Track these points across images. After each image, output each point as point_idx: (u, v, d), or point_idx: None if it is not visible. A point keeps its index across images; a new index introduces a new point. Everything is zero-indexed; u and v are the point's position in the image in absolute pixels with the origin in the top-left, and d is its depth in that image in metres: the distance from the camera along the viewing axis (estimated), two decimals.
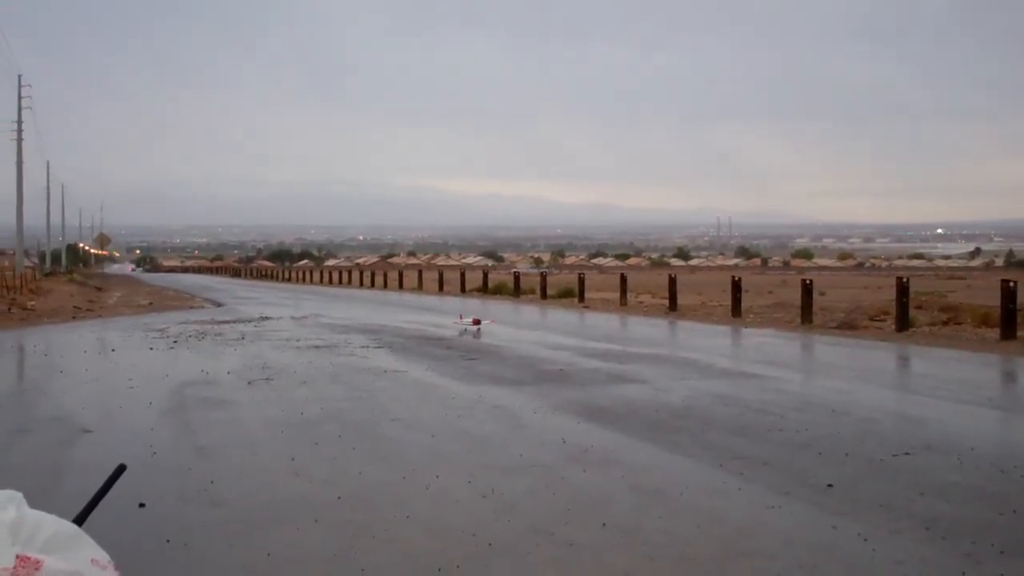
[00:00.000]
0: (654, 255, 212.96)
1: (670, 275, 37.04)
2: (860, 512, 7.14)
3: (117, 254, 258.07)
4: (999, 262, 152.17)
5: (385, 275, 69.78)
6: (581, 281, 41.07)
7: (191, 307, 39.17)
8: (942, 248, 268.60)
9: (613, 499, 7.63)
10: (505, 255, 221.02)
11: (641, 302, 38.51)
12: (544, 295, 43.64)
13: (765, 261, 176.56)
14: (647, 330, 25.90)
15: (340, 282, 76.83)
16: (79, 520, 1.86)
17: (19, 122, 71.53)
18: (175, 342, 21.51)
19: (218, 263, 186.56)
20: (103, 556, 1.73)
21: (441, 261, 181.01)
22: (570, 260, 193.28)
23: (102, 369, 17.06)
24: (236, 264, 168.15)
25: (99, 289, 58.35)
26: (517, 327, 26.35)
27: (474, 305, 38.11)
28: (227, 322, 28.27)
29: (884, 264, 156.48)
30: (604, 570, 5.95)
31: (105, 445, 10.07)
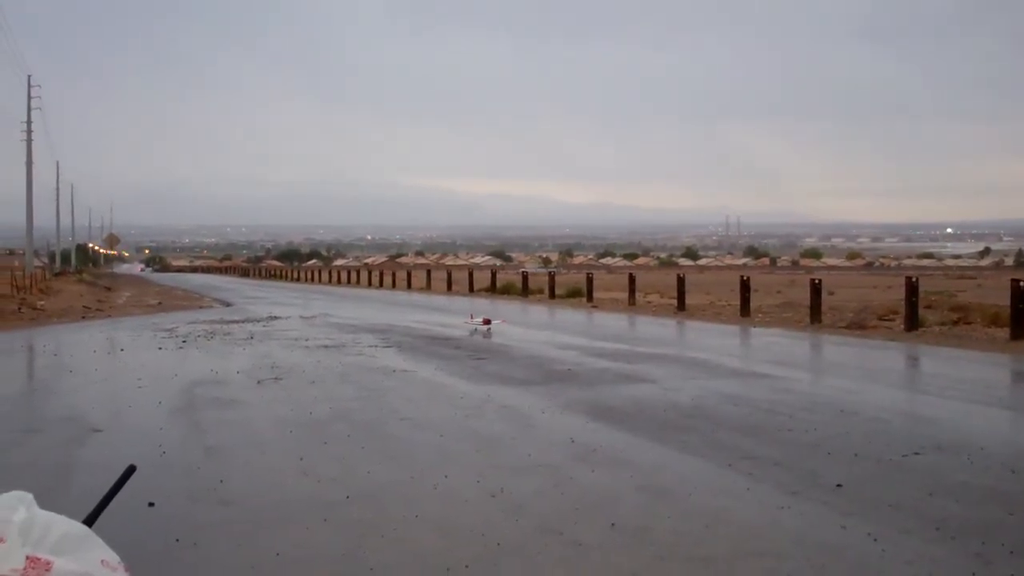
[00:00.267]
0: (662, 255, 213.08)
1: (678, 275, 37.01)
2: (870, 512, 7.12)
3: (126, 254, 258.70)
4: (1009, 261, 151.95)
5: (394, 275, 69.89)
6: (589, 281, 41.05)
7: (200, 307, 39.25)
8: (951, 248, 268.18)
9: (622, 499, 7.62)
10: (513, 255, 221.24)
11: (649, 302, 38.49)
12: (552, 295, 43.63)
13: (774, 261, 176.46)
14: (656, 330, 25.88)
15: (349, 282, 76.91)
16: (89, 521, 1.86)
17: (29, 122, 71.65)
18: (184, 342, 21.55)
19: (227, 263, 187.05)
20: (113, 557, 1.73)
21: (449, 261, 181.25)
22: (578, 260, 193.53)
23: (111, 368, 17.11)
24: (245, 264, 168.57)
25: (108, 289, 58.48)
26: (526, 327, 26.34)
27: (482, 305, 38.12)
28: (236, 322, 28.32)
29: (893, 264, 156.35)
30: (613, 570, 5.94)
31: (114, 444, 10.10)
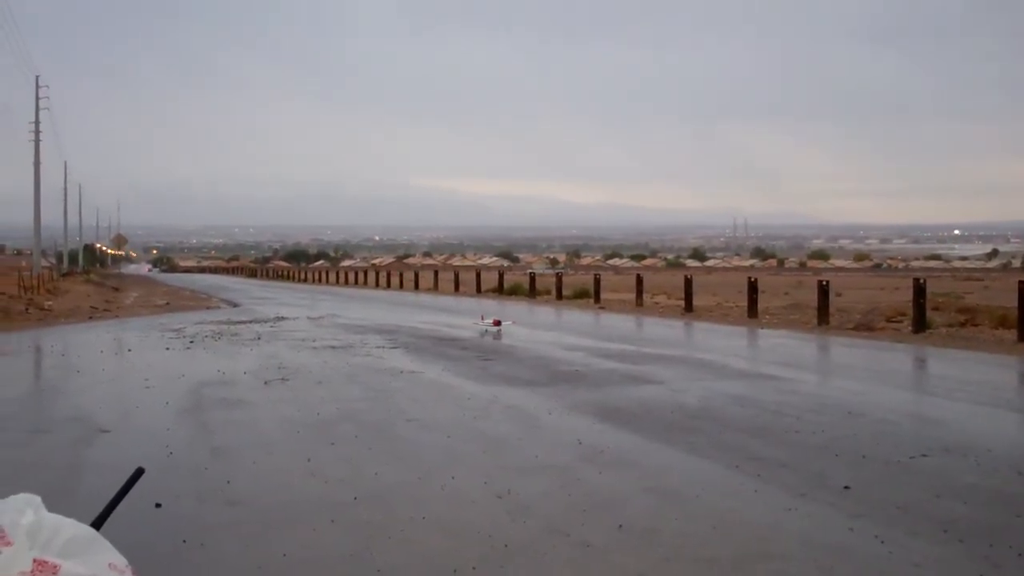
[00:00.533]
0: (670, 256, 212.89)
1: (686, 276, 36.99)
2: (877, 514, 7.11)
3: (134, 254, 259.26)
4: (1016, 263, 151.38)
5: (401, 276, 69.86)
6: (597, 282, 41.04)
7: (207, 307, 39.28)
8: (959, 249, 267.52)
9: (629, 500, 7.62)
10: (520, 256, 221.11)
11: (657, 303, 38.47)
12: (560, 296, 43.62)
13: (781, 262, 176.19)
14: (663, 331, 25.86)
15: (356, 283, 76.97)
16: (97, 524, 1.86)
17: (37, 123, 71.88)
18: (191, 342, 21.58)
19: (234, 263, 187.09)
20: (120, 560, 1.73)
21: (457, 262, 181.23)
22: (586, 261, 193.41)
23: (119, 369, 17.14)
24: (252, 264, 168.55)
25: (116, 289, 58.59)
26: (533, 328, 26.33)
27: (490, 306, 38.13)
28: (243, 322, 28.35)
29: (901, 265, 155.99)
30: (620, 571, 5.94)
31: (122, 445, 10.11)
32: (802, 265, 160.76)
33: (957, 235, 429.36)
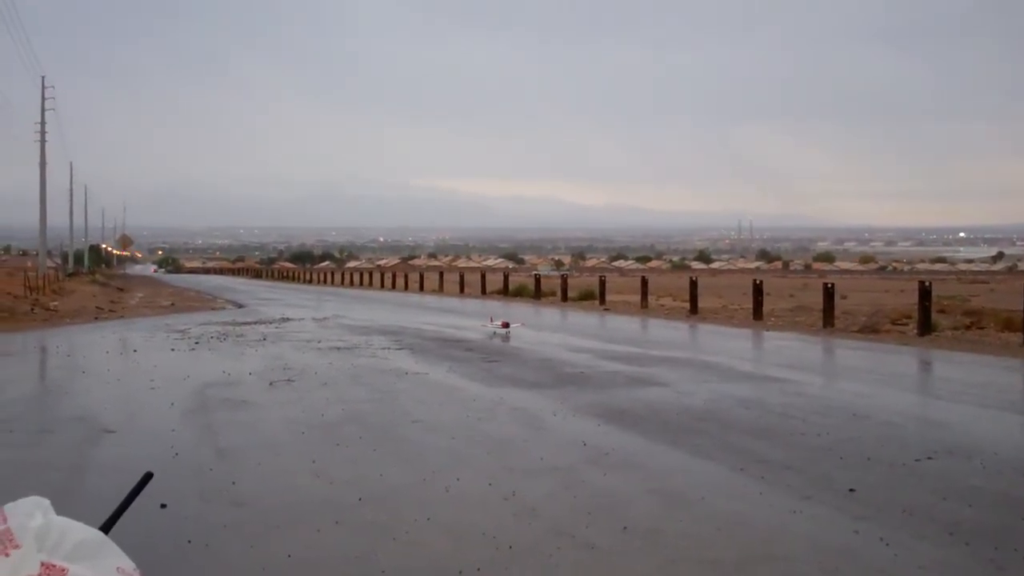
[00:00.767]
0: (675, 258, 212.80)
1: (691, 278, 36.95)
2: (882, 517, 7.10)
3: (139, 255, 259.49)
4: (1022, 266, 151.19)
5: (406, 277, 69.93)
6: (602, 283, 41.04)
7: (213, 308, 39.32)
8: (964, 252, 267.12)
9: (634, 502, 7.61)
10: (526, 257, 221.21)
11: (662, 305, 38.46)
12: (565, 297, 43.61)
13: (786, 264, 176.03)
14: (668, 333, 25.85)
15: (361, 284, 77.03)
16: (106, 527, 1.86)
17: (42, 123, 71.90)
18: (197, 343, 21.60)
19: (239, 264, 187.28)
20: (129, 564, 1.73)
21: (462, 263, 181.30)
22: (591, 262, 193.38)
23: (124, 370, 17.15)
24: (257, 265, 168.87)
25: (121, 290, 58.66)
26: (538, 329, 26.33)
27: (495, 307, 38.13)
28: (248, 323, 28.37)
29: (906, 268, 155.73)
30: (625, 574, 5.93)
31: (127, 446, 10.12)
32: (807, 267, 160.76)
33: (962, 238, 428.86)
